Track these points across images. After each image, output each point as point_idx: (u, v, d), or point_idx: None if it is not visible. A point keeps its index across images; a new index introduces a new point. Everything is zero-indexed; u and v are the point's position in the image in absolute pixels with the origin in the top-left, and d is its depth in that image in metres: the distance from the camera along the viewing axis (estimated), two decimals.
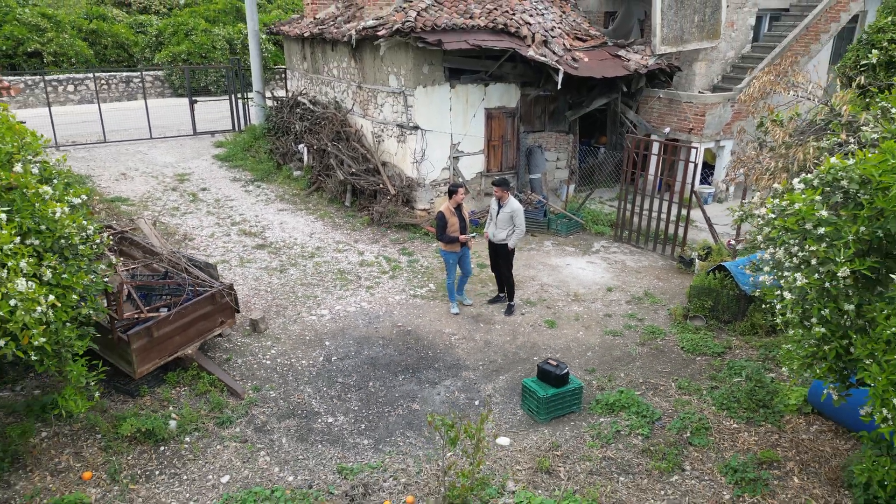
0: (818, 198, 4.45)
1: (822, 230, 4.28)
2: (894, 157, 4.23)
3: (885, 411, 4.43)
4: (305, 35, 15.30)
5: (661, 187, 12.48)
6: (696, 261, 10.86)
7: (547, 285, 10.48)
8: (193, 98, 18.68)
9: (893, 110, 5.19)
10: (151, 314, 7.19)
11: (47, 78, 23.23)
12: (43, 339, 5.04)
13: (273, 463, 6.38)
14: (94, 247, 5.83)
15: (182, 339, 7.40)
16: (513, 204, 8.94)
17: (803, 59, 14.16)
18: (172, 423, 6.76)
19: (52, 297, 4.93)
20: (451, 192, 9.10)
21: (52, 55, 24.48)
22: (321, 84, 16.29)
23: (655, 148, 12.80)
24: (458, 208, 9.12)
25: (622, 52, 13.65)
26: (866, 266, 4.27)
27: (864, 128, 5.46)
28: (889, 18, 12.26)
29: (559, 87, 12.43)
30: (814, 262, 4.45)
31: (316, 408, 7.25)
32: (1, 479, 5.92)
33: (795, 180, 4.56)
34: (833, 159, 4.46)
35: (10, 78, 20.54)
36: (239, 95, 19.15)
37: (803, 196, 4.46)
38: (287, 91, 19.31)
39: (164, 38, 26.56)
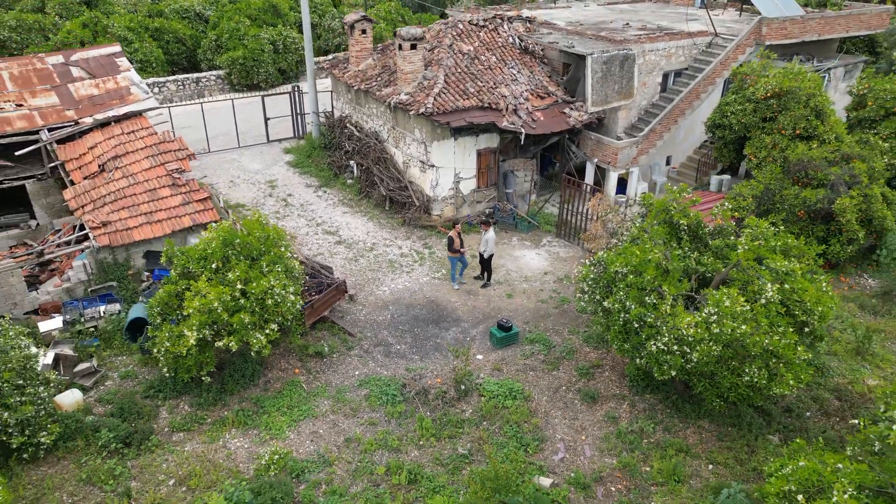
0: (593, 269, 12.02)
1: (590, 281, 11.88)
2: (619, 256, 11.74)
3: (614, 347, 12.18)
4: (354, 86, 22.23)
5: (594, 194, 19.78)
6: None
7: (510, 270, 18.08)
8: (267, 117, 25.68)
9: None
10: (312, 298, 14.84)
11: None
12: (291, 315, 12.74)
13: (376, 367, 14.18)
14: (300, 274, 13.48)
15: (323, 308, 15.08)
16: (489, 234, 16.44)
17: (688, 111, 21.22)
18: (326, 348, 14.51)
19: (299, 300, 12.58)
20: (454, 224, 16.61)
21: (139, 62, 31.10)
22: (363, 114, 23.31)
23: (583, 176, 20.07)
24: (459, 234, 16.58)
25: (567, 110, 20.71)
26: (609, 297, 11.89)
27: (625, 232, 12.95)
28: (733, 96, 19.42)
29: (522, 141, 19.65)
30: (591, 291, 12.07)
31: (391, 341, 15.02)
32: (262, 373, 13.69)
33: (587, 261, 12.11)
34: (601, 253, 11.98)
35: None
36: (297, 111, 26.12)
37: (587, 266, 12.03)
38: (333, 108, 26.24)
39: (222, 42, 33.02)
